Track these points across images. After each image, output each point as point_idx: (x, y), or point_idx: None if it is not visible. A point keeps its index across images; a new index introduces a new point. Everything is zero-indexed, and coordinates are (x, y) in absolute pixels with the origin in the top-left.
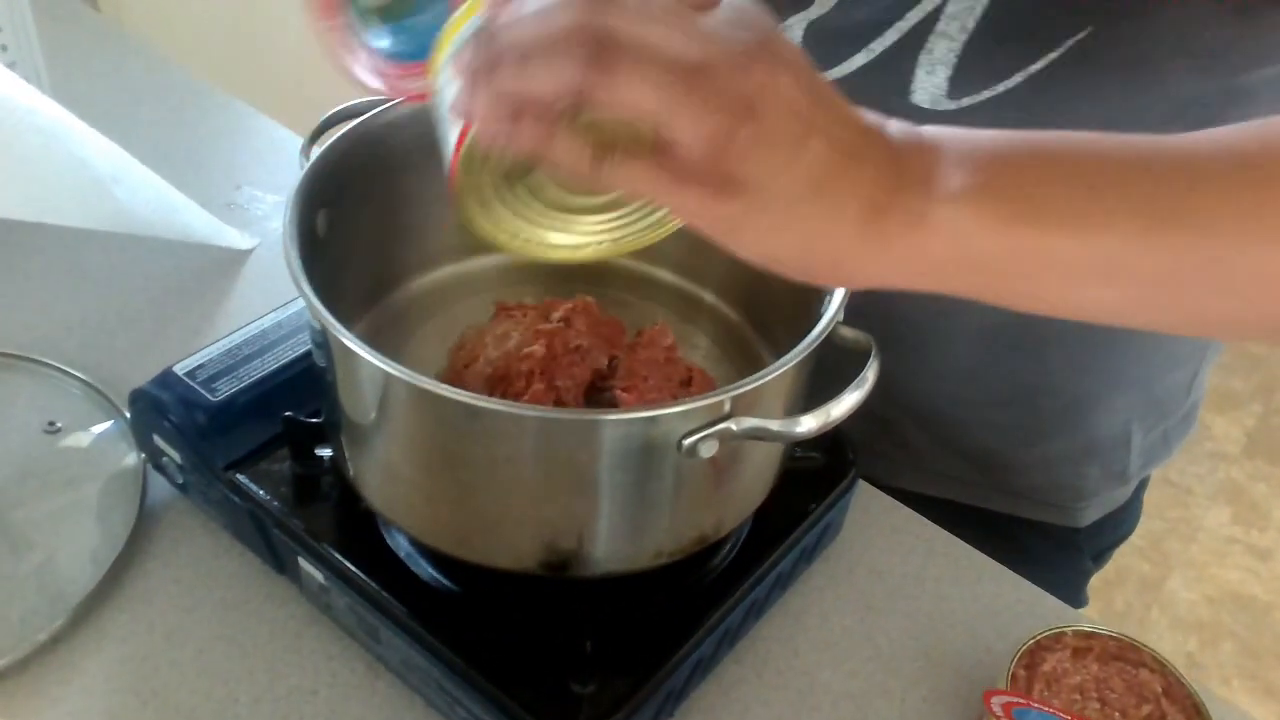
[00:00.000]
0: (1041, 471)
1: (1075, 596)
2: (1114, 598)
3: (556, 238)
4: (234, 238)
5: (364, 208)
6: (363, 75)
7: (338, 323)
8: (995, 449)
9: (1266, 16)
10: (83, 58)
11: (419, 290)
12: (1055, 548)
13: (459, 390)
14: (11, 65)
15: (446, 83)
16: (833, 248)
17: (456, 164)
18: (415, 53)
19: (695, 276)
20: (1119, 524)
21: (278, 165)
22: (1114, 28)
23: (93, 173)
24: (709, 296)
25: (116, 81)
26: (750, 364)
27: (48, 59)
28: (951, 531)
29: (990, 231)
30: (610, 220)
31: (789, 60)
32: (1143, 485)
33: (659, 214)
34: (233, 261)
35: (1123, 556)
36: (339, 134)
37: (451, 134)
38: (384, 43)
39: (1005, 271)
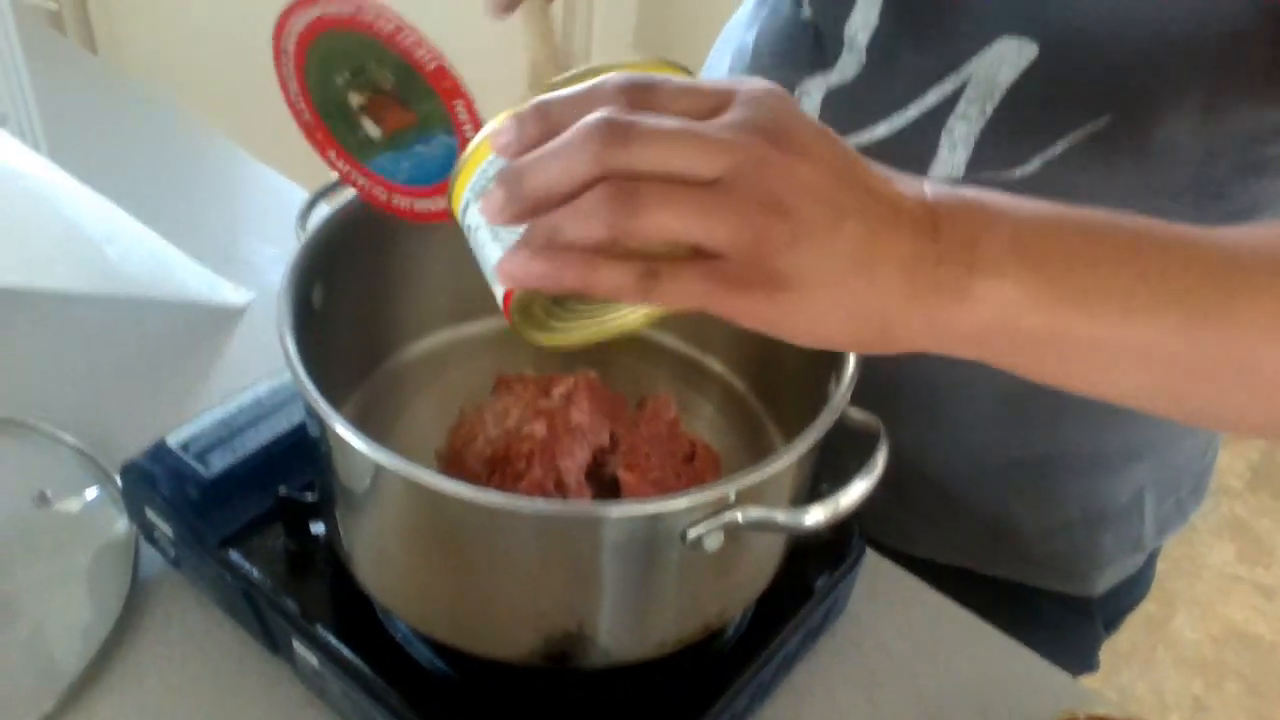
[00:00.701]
0: (1056, 539)
1: (1088, 661)
2: (1118, 638)
3: (612, 321)
4: (229, 293)
5: (360, 277)
6: (380, 195)
7: (332, 409)
8: (1009, 516)
9: None
10: (79, 102)
11: (416, 356)
12: (1069, 615)
13: (455, 482)
14: (3, 117)
15: (476, 221)
16: (880, 318)
17: (509, 313)
18: (425, 178)
19: (701, 343)
20: (1132, 590)
21: (278, 215)
22: (1132, 115)
23: (84, 234)
24: (715, 364)
25: (113, 126)
26: (756, 434)
27: (43, 104)
28: (964, 599)
29: (1034, 309)
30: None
31: (806, 145)
32: (1156, 551)
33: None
34: (228, 317)
35: None
36: (333, 205)
37: (496, 289)
38: (392, 169)
39: (1044, 348)
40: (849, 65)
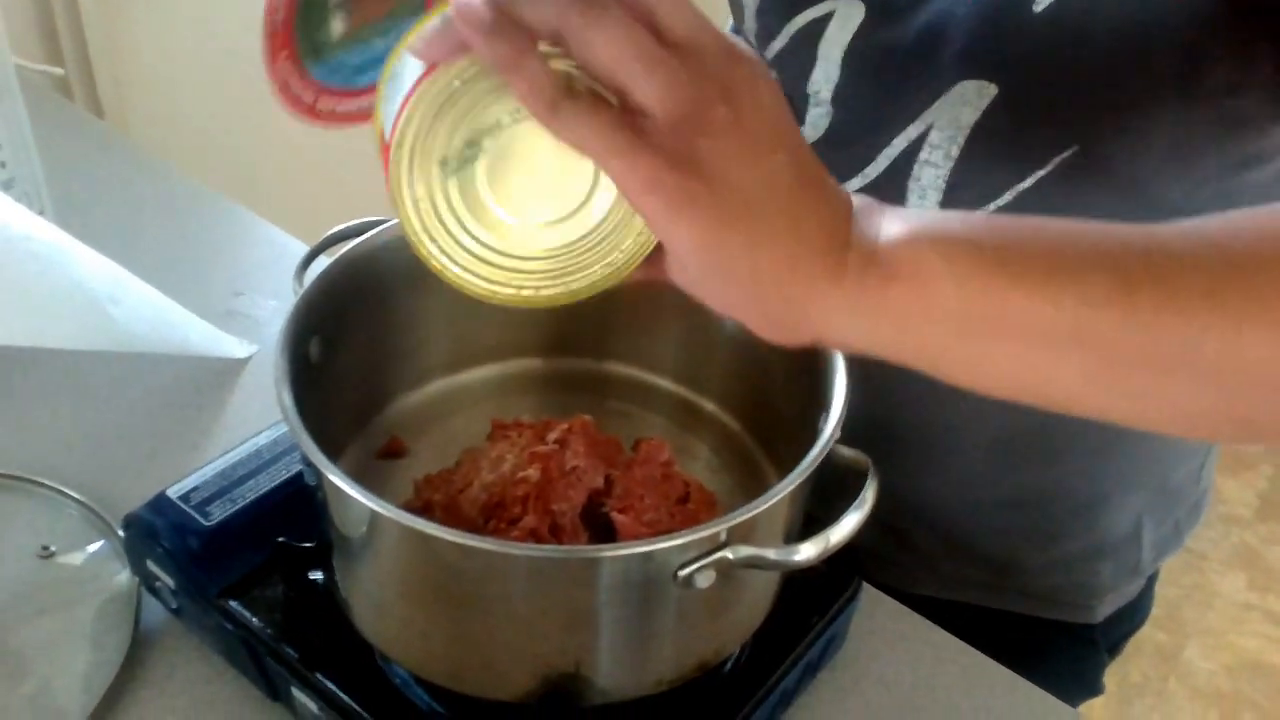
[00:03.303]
0: (1055, 572)
1: (1093, 687)
2: (1130, 670)
3: (485, 270)
4: (232, 346)
5: (357, 330)
6: (306, 98)
7: (328, 460)
8: (1008, 552)
9: (1253, 123)
10: (85, 165)
11: (414, 405)
12: (1071, 644)
13: (450, 529)
14: (10, 181)
15: (402, 67)
16: (789, 270)
17: (402, 114)
18: (358, 78)
19: (695, 385)
20: (1133, 614)
21: (278, 270)
22: (1101, 144)
23: (89, 294)
24: (709, 405)
25: (118, 188)
26: (751, 474)
27: (49, 167)
28: (966, 635)
29: (954, 279)
30: (542, 263)
31: (770, 80)
32: (1155, 573)
33: (599, 268)
34: (231, 370)
35: None
36: (331, 259)
37: (404, 88)
38: (330, 73)
39: (967, 329)
40: (819, 119)
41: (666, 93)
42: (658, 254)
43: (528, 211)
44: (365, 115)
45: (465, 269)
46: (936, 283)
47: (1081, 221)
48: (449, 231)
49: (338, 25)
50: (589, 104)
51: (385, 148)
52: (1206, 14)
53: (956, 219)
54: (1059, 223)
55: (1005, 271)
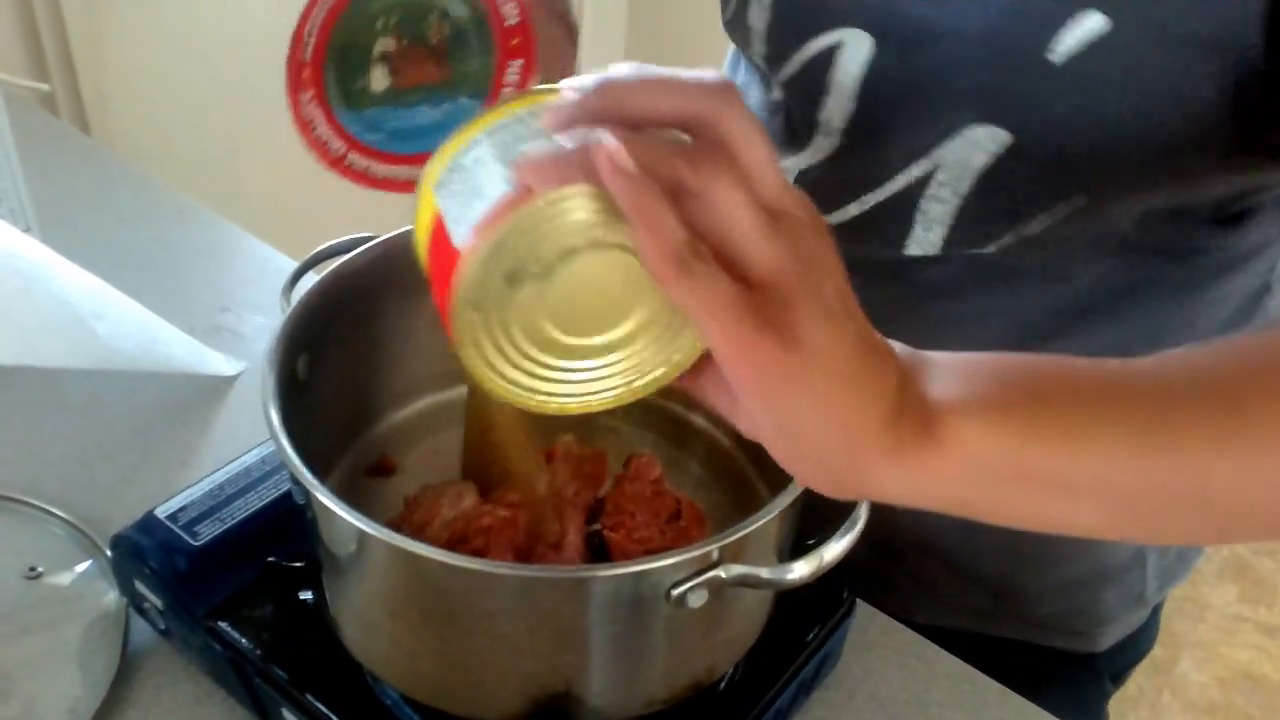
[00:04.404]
0: (1057, 598)
1: (1095, 715)
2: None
3: (545, 386)
4: (219, 363)
5: (345, 346)
6: (336, 149)
7: (316, 479)
8: (1009, 577)
9: (1253, 167)
10: (70, 181)
11: (403, 422)
12: (1074, 672)
13: (439, 549)
14: None
15: (484, 155)
16: (854, 439)
17: (490, 230)
18: (402, 144)
19: (685, 400)
20: (1138, 644)
21: (265, 286)
22: (1107, 195)
23: (73, 311)
24: (700, 421)
25: (104, 203)
26: (742, 490)
27: (34, 183)
28: (968, 660)
29: (993, 451)
30: (597, 372)
31: (837, 255)
32: (1160, 604)
33: (652, 374)
34: (218, 388)
35: None
36: (319, 276)
37: (486, 197)
38: (367, 127)
39: (1000, 486)
40: (823, 147)
41: (775, 265)
42: (704, 363)
43: (584, 328)
44: (404, 185)
45: (517, 384)
46: (978, 455)
47: (1103, 365)
48: (508, 345)
49: (379, 79)
50: (712, 273)
51: (443, 240)
52: (1221, 88)
53: (993, 377)
54: (1084, 373)
55: (1037, 438)
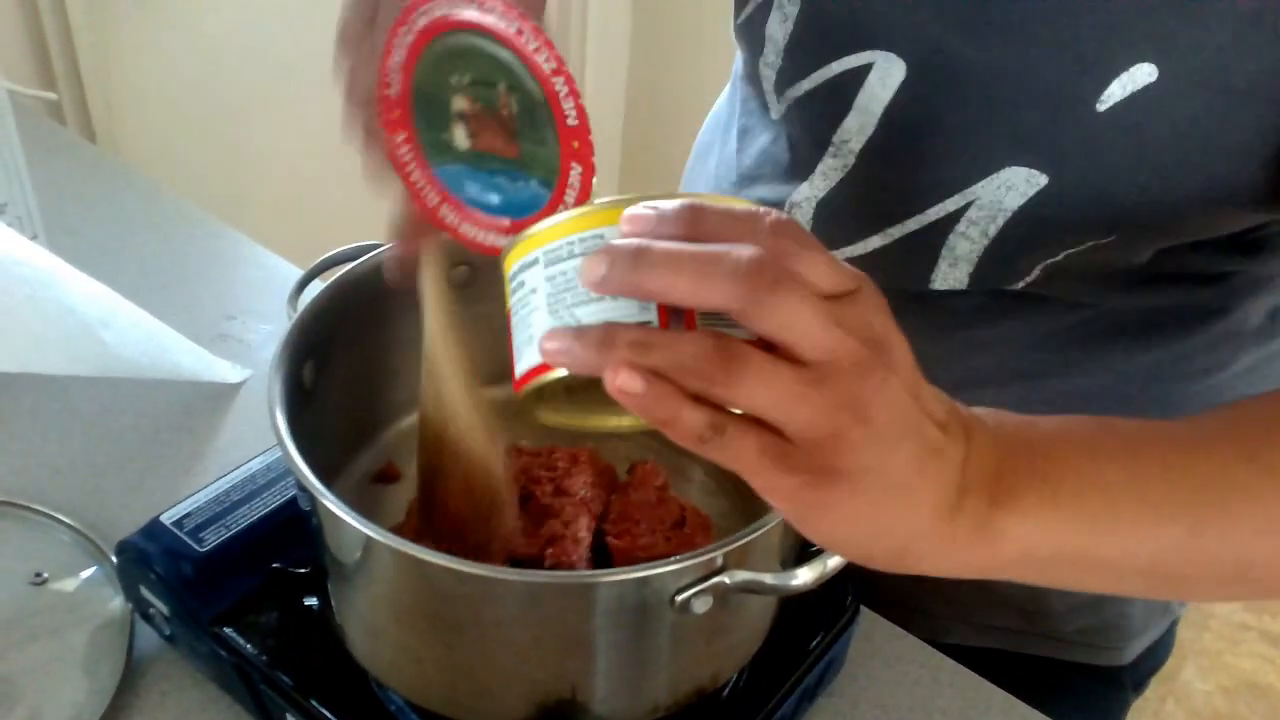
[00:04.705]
0: (1086, 614)
1: None
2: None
3: (607, 419)
4: (225, 371)
5: (351, 354)
6: (430, 199)
7: (322, 485)
8: (1039, 597)
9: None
10: (77, 190)
11: (409, 429)
12: (1099, 685)
13: (444, 555)
14: (2, 206)
15: (536, 284)
16: (901, 541)
17: (528, 382)
18: (489, 207)
19: None
20: (1158, 652)
21: (271, 294)
22: (1139, 235)
23: (80, 319)
24: None
25: (110, 212)
26: (746, 497)
27: (41, 192)
28: (994, 678)
29: (1049, 542)
30: None
31: (900, 360)
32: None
33: None
34: (224, 395)
35: None
36: (325, 284)
37: (525, 356)
38: (458, 182)
39: (1061, 570)
40: (832, 168)
41: (808, 426)
42: None
43: None
44: (490, 249)
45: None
46: (1031, 548)
47: (1159, 435)
48: (575, 416)
49: (460, 136)
50: (739, 433)
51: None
52: (1263, 132)
53: (1046, 456)
54: (1139, 447)
55: (1092, 532)
